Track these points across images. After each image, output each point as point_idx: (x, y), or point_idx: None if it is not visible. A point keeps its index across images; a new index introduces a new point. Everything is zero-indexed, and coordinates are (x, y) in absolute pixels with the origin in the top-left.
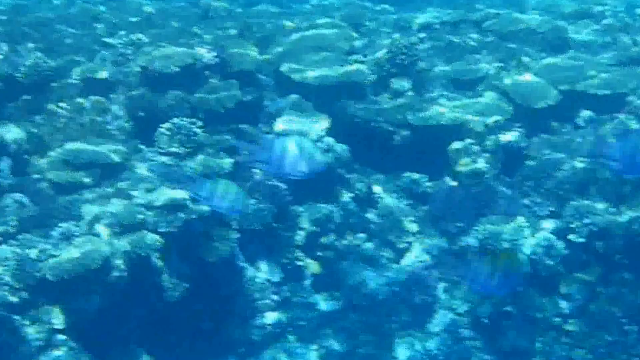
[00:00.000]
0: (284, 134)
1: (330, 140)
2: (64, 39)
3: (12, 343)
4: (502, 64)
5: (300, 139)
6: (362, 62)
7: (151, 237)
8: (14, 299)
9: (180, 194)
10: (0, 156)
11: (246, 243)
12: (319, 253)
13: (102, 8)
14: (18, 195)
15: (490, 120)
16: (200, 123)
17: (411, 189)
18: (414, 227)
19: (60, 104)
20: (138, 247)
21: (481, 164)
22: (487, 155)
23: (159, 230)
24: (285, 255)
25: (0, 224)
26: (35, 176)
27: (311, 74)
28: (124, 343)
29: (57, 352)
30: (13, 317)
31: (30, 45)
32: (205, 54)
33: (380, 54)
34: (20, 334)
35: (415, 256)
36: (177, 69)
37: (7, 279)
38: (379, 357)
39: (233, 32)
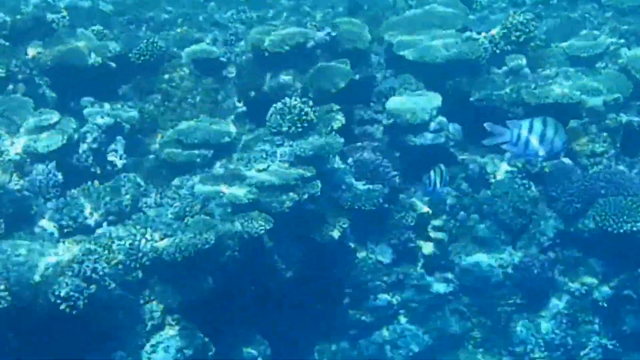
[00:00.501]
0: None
1: (442, 119)
2: (175, 19)
3: (127, 323)
4: (622, 40)
5: (542, 121)
6: (476, 39)
7: (263, 218)
8: (128, 279)
9: (291, 172)
10: (115, 136)
11: (358, 224)
12: (431, 234)
13: None
14: (132, 175)
15: (610, 98)
16: (311, 102)
17: (526, 168)
18: (528, 208)
19: (173, 84)
20: (250, 228)
21: (600, 143)
22: (605, 134)
23: (270, 210)
24: (397, 237)
25: (115, 204)
26: (149, 156)
27: (422, 51)
28: (236, 323)
29: (171, 332)
30: (128, 297)
31: (142, 25)
32: (316, 32)
33: (495, 30)
34: (136, 314)
35: (530, 238)
36: (288, 48)
37: (122, 257)
38: (494, 340)
39: (343, 10)
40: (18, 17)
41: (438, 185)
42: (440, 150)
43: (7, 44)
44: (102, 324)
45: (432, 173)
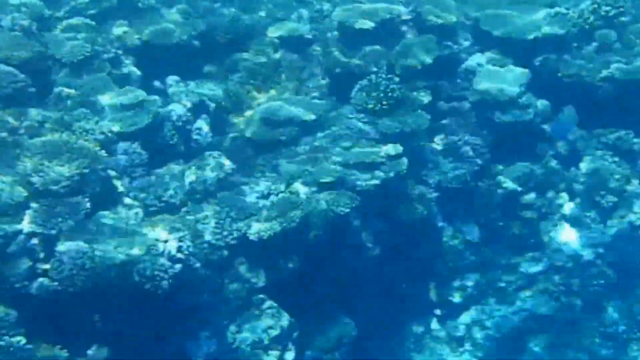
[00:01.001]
0: None
1: (530, 95)
2: None
3: (214, 302)
4: None
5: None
6: (564, 15)
7: (349, 196)
8: (213, 258)
9: (376, 150)
10: (200, 115)
11: (445, 202)
12: (520, 212)
13: None
14: (217, 154)
15: None
16: (397, 79)
17: (616, 145)
18: (619, 186)
19: (258, 62)
20: (336, 206)
21: None
22: None
23: (356, 189)
24: (485, 215)
25: (200, 182)
26: (233, 134)
27: (510, 27)
28: (321, 303)
29: (256, 312)
30: (213, 276)
31: (227, 3)
32: (403, 8)
33: (584, 5)
34: (220, 293)
35: (621, 216)
36: (374, 25)
37: (208, 237)
38: (584, 321)
39: None
40: None
41: (567, 124)
42: (529, 127)
43: (93, 23)
44: (187, 303)
45: (564, 111)
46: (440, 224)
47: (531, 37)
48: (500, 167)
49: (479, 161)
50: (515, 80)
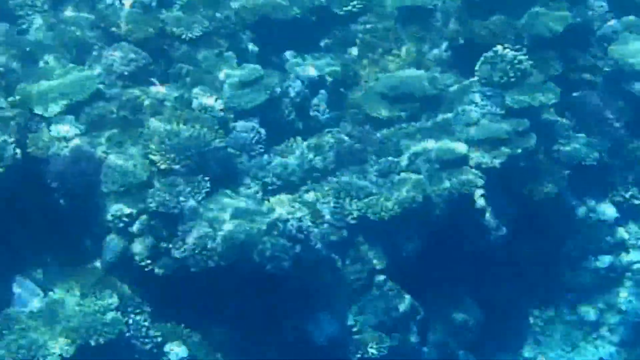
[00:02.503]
0: None
1: None
2: None
3: (334, 283)
4: None
5: None
6: None
7: (473, 174)
8: (334, 238)
9: (503, 126)
10: (317, 90)
11: (577, 180)
12: None
13: None
14: (335, 131)
15: None
16: (524, 50)
17: None
18: None
19: (376, 35)
20: (459, 185)
21: None
22: None
23: (481, 166)
24: (620, 193)
25: (319, 161)
26: (352, 110)
27: None
28: (444, 285)
29: (377, 292)
30: (333, 257)
31: None
32: None
33: None
34: (340, 274)
35: None
36: None
37: (328, 217)
38: None
39: None
40: None
41: None
42: None
43: None
44: (307, 284)
45: None
46: (571, 203)
47: None
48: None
49: (614, 136)
50: None
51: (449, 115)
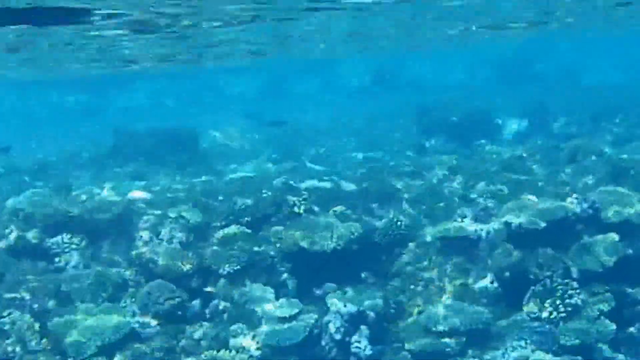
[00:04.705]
0: None
1: None
2: (421, 196)
3: None
4: None
5: None
6: None
7: None
8: None
9: None
10: (359, 325)
11: None
12: None
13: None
14: None
15: None
16: (575, 284)
17: None
18: None
19: (418, 265)
20: None
21: None
22: None
23: None
24: None
25: None
26: (395, 346)
27: None
28: None
29: None
30: None
31: (385, 206)
32: (577, 205)
33: None
34: None
35: None
36: (545, 224)
37: None
38: None
39: (606, 176)
40: (260, 201)
41: None
42: None
43: (249, 231)
44: None
45: None
46: None
47: None
48: None
49: None
50: None
51: (498, 352)
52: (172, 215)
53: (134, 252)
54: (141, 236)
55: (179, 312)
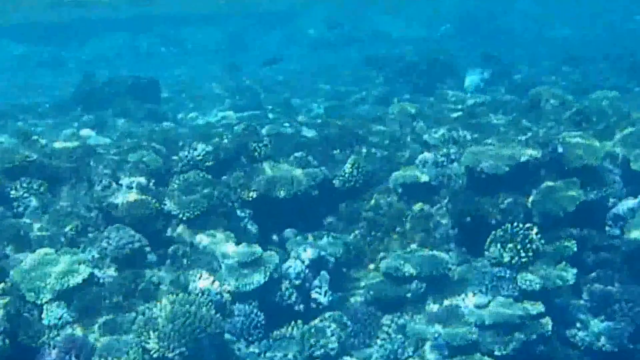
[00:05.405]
0: None
1: None
2: (383, 141)
3: None
4: None
5: None
6: None
7: None
8: None
9: (516, 309)
10: (319, 271)
11: None
12: None
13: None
14: (337, 314)
15: None
16: (536, 229)
17: None
18: None
19: (380, 212)
20: None
21: None
22: None
23: (493, 353)
24: None
25: (321, 347)
26: (355, 292)
27: None
28: None
29: None
30: None
31: (347, 152)
32: (540, 150)
33: None
34: None
35: None
36: (507, 169)
37: None
38: None
39: (568, 123)
40: (220, 147)
41: None
42: None
43: (210, 176)
44: None
45: None
46: None
47: None
48: None
49: (636, 320)
50: None
51: (459, 296)
52: (132, 160)
53: (93, 197)
54: (101, 181)
55: (139, 257)
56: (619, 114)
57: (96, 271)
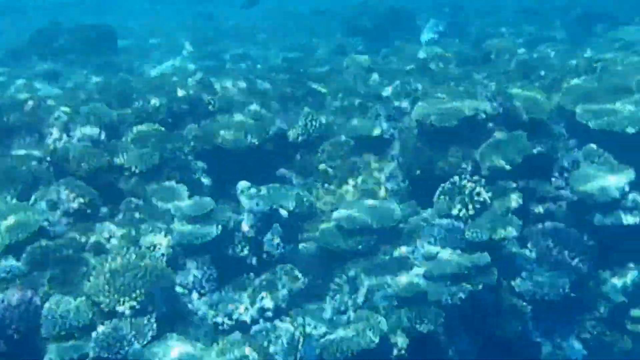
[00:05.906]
0: None
1: (637, 196)
2: (335, 93)
3: None
4: None
5: None
6: None
7: (433, 311)
8: None
9: (463, 260)
10: (271, 224)
11: (541, 315)
12: (630, 326)
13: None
14: (289, 267)
15: None
16: (484, 182)
17: None
18: None
19: (333, 165)
20: (419, 323)
21: None
22: None
23: (441, 302)
24: (588, 330)
25: (272, 298)
26: (307, 244)
27: (610, 118)
28: None
29: None
30: None
31: (301, 102)
32: (488, 103)
33: None
34: None
35: None
36: (457, 122)
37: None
38: None
39: (517, 76)
40: (174, 100)
41: None
42: (635, 231)
43: (162, 129)
44: None
45: None
46: (537, 339)
47: (636, 130)
48: (605, 275)
49: (578, 270)
50: (619, 179)
51: (407, 248)
52: (84, 112)
53: (44, 150)
54: (52, 133)
55: (89, 210)
56: (566, 67)
57: (46, 224)
